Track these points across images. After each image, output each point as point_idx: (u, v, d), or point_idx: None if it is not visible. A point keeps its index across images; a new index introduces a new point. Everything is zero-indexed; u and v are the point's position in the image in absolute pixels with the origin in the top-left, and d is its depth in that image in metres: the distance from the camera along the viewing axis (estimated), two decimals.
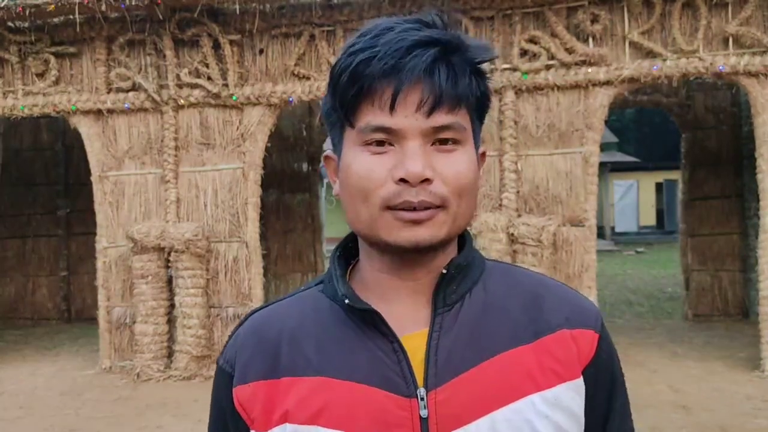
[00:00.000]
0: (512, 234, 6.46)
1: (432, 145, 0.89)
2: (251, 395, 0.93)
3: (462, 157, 0.90)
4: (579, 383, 0.93)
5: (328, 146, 1.05)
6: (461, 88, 0.89)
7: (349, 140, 0.92)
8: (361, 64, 0.87)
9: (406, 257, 0.92)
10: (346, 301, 0.92)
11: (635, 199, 26.56)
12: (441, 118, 0.88)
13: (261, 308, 1.03)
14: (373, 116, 0.88)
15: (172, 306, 7.04)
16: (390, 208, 0.88)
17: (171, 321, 7.07)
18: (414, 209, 0.87)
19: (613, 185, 25.82)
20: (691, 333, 8.48)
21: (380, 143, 0.89)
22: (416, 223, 0.88)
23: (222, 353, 1.00)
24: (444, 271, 0.93)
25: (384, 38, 0.88)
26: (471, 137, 0.93)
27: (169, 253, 6.94)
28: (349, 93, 0.88)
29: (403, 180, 0.86)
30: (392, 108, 0.87)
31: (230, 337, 1.01)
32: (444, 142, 0.89)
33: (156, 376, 6.85)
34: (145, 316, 6.96)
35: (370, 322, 0.92)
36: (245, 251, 7.03)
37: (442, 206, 0.88)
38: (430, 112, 0.87)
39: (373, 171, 0.88)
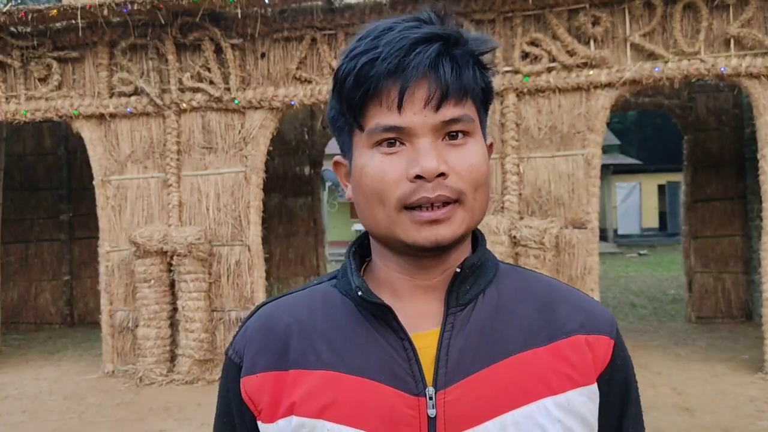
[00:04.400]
0: (514, 236, 6.46)
1: (442, 139, 0.89)
2: (259, 386, 0.93)
3: (473, 149, 0.90)
4: (593, 389, 0.93)
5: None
6: (466, 80, 0.89)
7: (359, 143, 0.91)
8: (365, 66, 0.87)
9: (423, 258, 0.92)
10: (359, 293, 0.92)
11: (638, 201, 26.52)
12: (449, 112, 0.88)
13: (271, 300, 1.02)
14: (381, 117, 0.88)
15: (175, 310, 7.04)
16: (407, 207, 0.87)
17: (173, 325, 7.06)
18: (431, 206, 0.87)
19: (616, 187, 25.79)
20: (694, 335, 8.47)
21: (391, 143, 0.88)
22: (435, 222, 0.87)
23: (231, 344, 1.00)
24: (458, 270, 0.93)
25: (385, 38, 0.88)
26: (479, 128, 0.93)
27: (171, 257, 6.94)
28: (356, 96, 0.88)
29: (418, 177, 0.86)
30: (400, 107, 0.87)
31: (240, 328, 1.01)
32: (454, 136, 0.89)
33: (159, 380, 6.85)
34: (148, 320, 6.96)
35: (382, 317, 0.91)
36: (247, 255, 7.03)
37: (458, 201, 0.88)
38: (437, 107, 0.87)
39: (386, 172, 0.88)
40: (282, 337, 0.95)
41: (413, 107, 0.87)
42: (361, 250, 1.01)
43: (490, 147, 0.98)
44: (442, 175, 0.86)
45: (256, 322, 0.99)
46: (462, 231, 0.89)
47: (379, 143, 0.89)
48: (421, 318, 0.93)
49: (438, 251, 0.91)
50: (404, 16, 0.91)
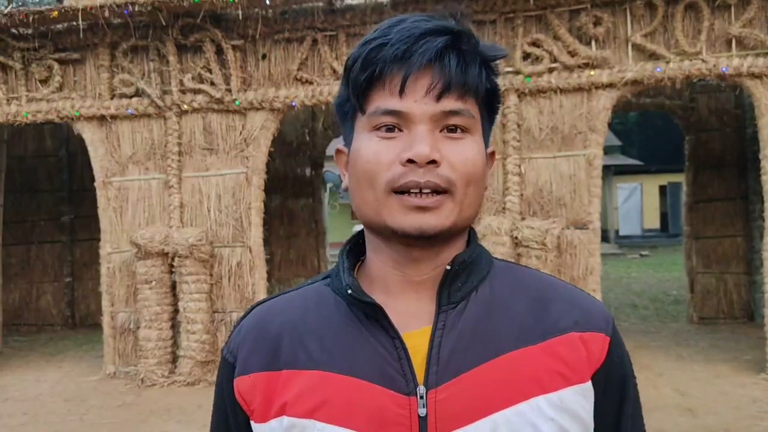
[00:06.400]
0: (516, 237, 6.45)
1: (440, 131, 0.89)
2: (251, 386, 0.94)
3: (470, 145, 0.91)
4: (587, 387, 0.91)
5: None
6: (470, 77, 0.90)
7: (359, 127, 0.92)
8: (373, 51, 0.89)
9: (413, 249, 0.92)
10: (349, 291, 0.92)
11: (639, 202, 26.49)
12: (450, 104, 0.89)
13: (265, 300, 1.03)
14: (383, 100, 0.89)
15: (176, 311, 7.04)
16: (396, 191, 0.87)
17: (175, 326, 7.06)
18: (420, 191, 0.87)
19: (617, 188, 25.76)
20: (696, 336, 8.45)
21: (390, 129, 0.89)
22: (423, 209, 0.87)
23: (226, 344, 1.01)
24: (448, 267, 0.92)
25: (397, 28, 0.89)
26: (480, 129, 0.93)
27: (172, 259, 6.94)
28: (361, 78, 0.89)
29: (410, 161, 0.86)
30: (402, 92, 0.88)
31: (234, 327, 1.02)
32: (453, 129, 0.90)
33: (160, 381, 6.84)
34: (149, 322, 6.96)
35: (373, 316, 0.91)
36: (249, 256, 7.03)
37: (448, 191, 0.88)
38: (439, 97, 0.88)
39: (380, 154, 0.89)
40: (274, 338, 0.95)
41: (415, 94, 0.88)
42: (355, 248, 1.00)
43: (491, 156, 0.98)
44: (434, 162, 0.87)
45: (250, 322, 1.00)
46: (449, 223, 0.89)
47: (378, 127, 0.90)
48: (413, 316, 0.92)
49: (424, 241, 0.90)
50: (422, 14, 0.93)
